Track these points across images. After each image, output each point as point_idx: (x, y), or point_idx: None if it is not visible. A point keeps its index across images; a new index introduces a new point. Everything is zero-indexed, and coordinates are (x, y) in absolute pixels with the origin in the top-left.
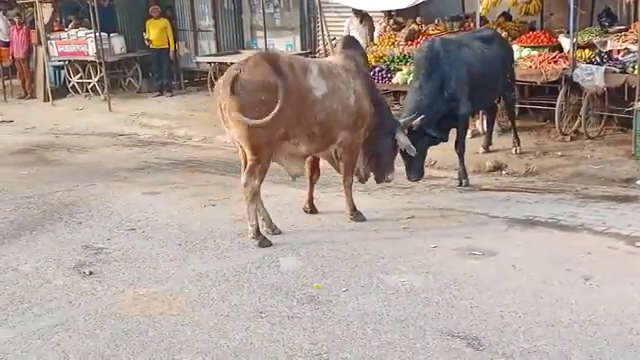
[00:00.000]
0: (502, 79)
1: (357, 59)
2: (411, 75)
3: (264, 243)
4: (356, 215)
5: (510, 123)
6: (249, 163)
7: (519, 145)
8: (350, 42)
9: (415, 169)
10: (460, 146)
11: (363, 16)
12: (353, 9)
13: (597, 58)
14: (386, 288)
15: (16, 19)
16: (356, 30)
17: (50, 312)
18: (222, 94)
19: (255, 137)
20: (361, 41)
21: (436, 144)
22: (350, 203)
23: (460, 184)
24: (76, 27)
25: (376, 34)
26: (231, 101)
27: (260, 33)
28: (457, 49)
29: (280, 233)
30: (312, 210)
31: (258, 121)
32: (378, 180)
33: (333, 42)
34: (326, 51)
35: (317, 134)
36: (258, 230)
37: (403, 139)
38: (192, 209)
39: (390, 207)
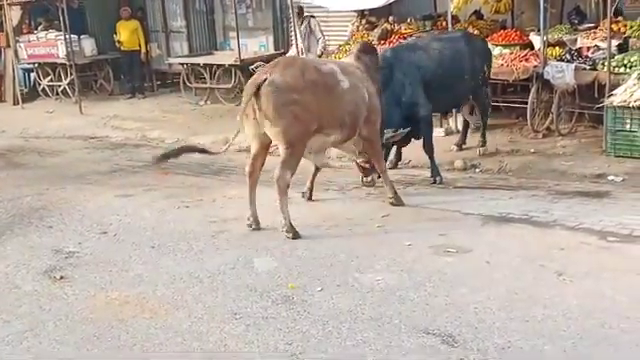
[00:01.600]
0: (470, 79)
1: (368, 63)
2: None
3: (296, 236)
4: (397, 199)
5: (482, 122)
6: (283, 157)
7: (484, 146)
8: (366, 48)
9: None
10: (428, 146)
11: (304, 18)
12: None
13: (567, 56)
14: (361, 287)
15: None
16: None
17: (20, 317)
18: (253, 95)
19: (292, 133)
20: (301, 43)
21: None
22: (390, 189)
23: (434, 182)
24: (46, 29)
25: (348, 34)
26: (266, 101)
27: (233, 34)
28: (410, 54)
29: (259, 229)
30: (310, 197)
31: None
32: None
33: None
34: (299, 50)
35: (347, 123)
36: (291, 223)
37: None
38: (165, 211)
39: (365, 206)
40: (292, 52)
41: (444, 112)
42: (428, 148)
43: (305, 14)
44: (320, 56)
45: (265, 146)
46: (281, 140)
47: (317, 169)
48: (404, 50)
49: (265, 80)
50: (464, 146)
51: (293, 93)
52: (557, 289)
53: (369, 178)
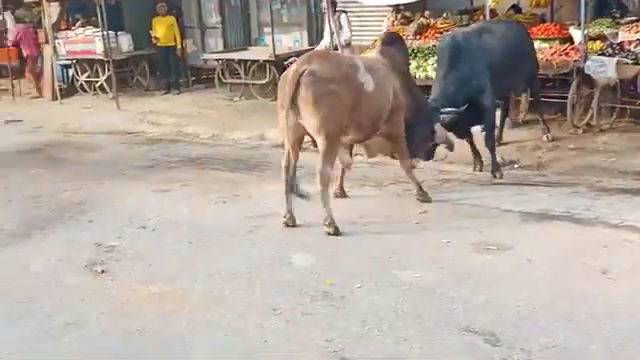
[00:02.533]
0: (528, 66)
1: (394, 56)
2: (431, 66)
3: (337, 232)
4: (422, 195)
5: (538, 113)
6: (322, 149)
7: (549, 131)
8: (390, 39)
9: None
10: (488, 139)
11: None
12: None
13: (609, 50)
14: (400, 284)
15: (27, 19)
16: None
17: (62, 311)
18: (293, 88)
19: (330, 124)
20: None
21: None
22: (416, 184)
23: (495, 176)
24: (83, 26)
25: (384, 29)
26: (306, 91)
27: (267, 29)
28: (477, 39)
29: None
30: (342, 194)
31: None
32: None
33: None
34: (334, 45)
35: (364, 125)
36: (332, 218)
37: (441, 133)
38: (202, 206)
39: (401, 202)
40: (321, 46)
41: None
42: (489, 140)
43: (337, 9)
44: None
45: (300, 139)
46: (319, 131)
47: (344, 167)
48: (472, 35)
49: (305, 71)
50: (501, 141)
51: (332, 84)
52: (601, 287)
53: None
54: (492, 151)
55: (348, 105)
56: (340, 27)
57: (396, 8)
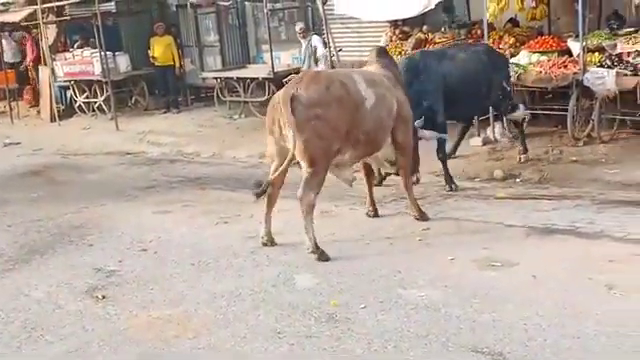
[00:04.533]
0: (492, 92)
1: (393, 68)
2: None
3: (322, 257)
4: (420, 215)
5: (519, 134)
6: (305, 176)
7: (525, 153)
8: (383, 51)
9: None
10: (441, 153)
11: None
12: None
13: (607, 61)
14: (405, 303)
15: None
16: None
17: (63, 338)
18: (281, 111)
19: (313, 150)
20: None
21: None
22: (414, 204)
23: (450, 189)
24: (81, 47)
25: (382, 44)
26: (289, 117)
27: (265, 47)
28: (437, 61)
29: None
30: (375, 213)
31: None
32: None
33: (339, 53)
34: (332, 62)
35: (361, 142)
36: (316, 243)
37: (428, 134)
38: (204, 227)
39: (404, 219)
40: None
41: (464, 121)
42: (442, 154)
43: (311, 32)
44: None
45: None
46: (302, 157)
47: (370, 184)
48: (431, 56)
49: (291, 95)
50: (453, 155)
51: (318, 108)
52: (608, 304)
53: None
54: (443, 164)
55: (340, 128)
56: (314, 50)
57: (394, 23)
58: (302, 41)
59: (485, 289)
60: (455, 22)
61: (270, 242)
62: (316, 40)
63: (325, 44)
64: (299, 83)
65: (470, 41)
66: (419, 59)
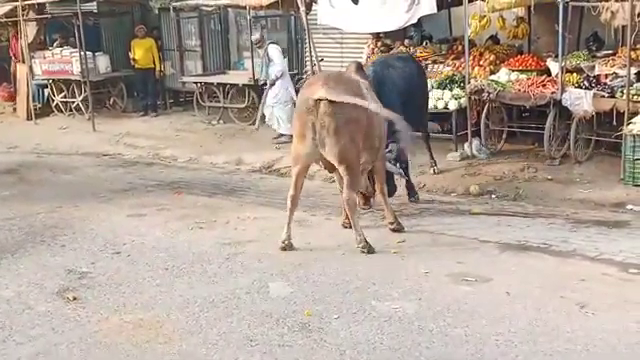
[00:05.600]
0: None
1: (368, 82)
2: None
3: (371, 250)
4: (397, 224)
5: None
6: (346, 178)
7: (436, 165)
8: (360, 67)
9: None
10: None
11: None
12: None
13: (585, 82)
14: (378, 315)
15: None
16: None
17: (32, 340)
18: (316, 115)
19: (350, 153)
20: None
21: None
22: (391, 212)
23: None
24: (61, 46)
25: (364, 56)
26: (329, 120)
27: (247, 53)
28: (389, 70)
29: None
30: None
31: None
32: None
33: (321, 63)
34: (314, 72)
35: (367, 147)
36: (366, 239)
37: (391, 167)
38: (179, 232)
39: (380, 231)
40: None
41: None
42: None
43: (268, 42)
44: (273, 83)
45: (307, 168)
46: (341, 160)
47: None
48: (385, 66)
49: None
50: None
51: (352, 112)
52: (580, 322)
53: (367, 206)
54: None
55: (363, 128)
56: (269, 60)
57: (376, 35)
58: (259, 51)
59: (458, 303)
60: (424, 37)
61: (289, 247)
62: (272, 49)
63: (284, 53)
64: (327, 84)
65: (420, 53)
66: (380, 70)
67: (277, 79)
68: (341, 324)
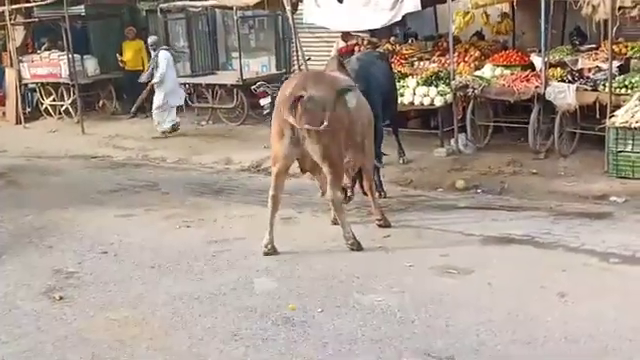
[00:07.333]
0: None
1: (350, 78)
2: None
3: (360, 248)
4: (384, 220)
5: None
6: (330, 177)
7: (404, 155)
8: (341, 63)
9: None
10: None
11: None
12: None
13: (569, 76)
14: (362, 308)
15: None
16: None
17: (19, 338)
18: (291, 113)
19: (333, 152)
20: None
21: None
22: (378, 208)
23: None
24: (49, 49)
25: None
26: (303, 118)
27: (235, 54)
28: (371, 66)
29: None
30: (336, 222)
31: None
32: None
33: (308, 62)
34: (301, 71)
35: (351, 146)
36: (354, 236)
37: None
38: (166, 231)
39: (366, 226)
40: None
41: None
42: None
43: (161, 47)
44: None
45: (288, 167)
46: (324, 159)
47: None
48: (366, 62)
49: (302, 97)
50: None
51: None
52: (559, 311)
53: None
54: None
55: (345, 126)
56: (157, 65)
57: (346, 33)
58: (152, 53)
59: (441, 295)
60: (410, 35)
61: (273, 251)
62: (161, 55)
63: (175, 59)
64: (306, 83)
65: (406, 50)
66: (363, 67)
67: (155, 84)
68: (324, 317)
